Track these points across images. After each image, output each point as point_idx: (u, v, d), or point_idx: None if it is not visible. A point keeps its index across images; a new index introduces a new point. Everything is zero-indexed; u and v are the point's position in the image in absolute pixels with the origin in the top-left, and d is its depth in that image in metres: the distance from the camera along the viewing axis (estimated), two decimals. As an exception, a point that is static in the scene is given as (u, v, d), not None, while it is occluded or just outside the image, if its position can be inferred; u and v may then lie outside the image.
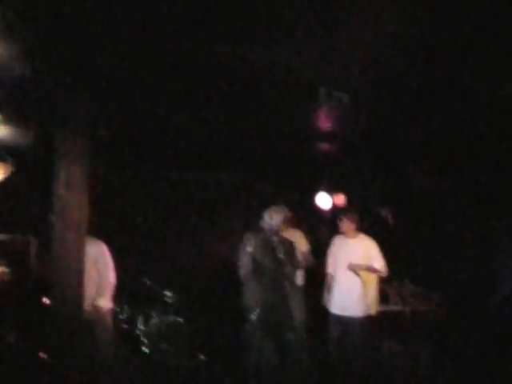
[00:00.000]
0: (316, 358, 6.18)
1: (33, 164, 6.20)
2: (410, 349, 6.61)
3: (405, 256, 7.17)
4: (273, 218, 5.79)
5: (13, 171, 5.98)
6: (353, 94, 5.09)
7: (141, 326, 7.39)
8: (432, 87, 4.88)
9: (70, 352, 4.53)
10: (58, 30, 3.68)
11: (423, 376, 6.45)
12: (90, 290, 5.17)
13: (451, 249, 7.49)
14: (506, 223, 6.98)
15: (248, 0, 3.34)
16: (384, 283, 7.30)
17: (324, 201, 7.89)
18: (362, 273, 6.35)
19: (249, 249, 5.70)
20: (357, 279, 6.35)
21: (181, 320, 7.49)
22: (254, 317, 5.63)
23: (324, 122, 6.12)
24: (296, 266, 6.04)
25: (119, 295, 6.20)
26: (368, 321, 6.43)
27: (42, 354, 5.18)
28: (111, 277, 5.65)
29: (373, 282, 6.51)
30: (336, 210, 7.03)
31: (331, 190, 7.86)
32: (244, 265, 5.73)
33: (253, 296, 5.78)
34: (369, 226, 7.45)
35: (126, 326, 7.33)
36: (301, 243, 6.88)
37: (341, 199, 7.92)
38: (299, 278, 6.85)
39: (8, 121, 5.16)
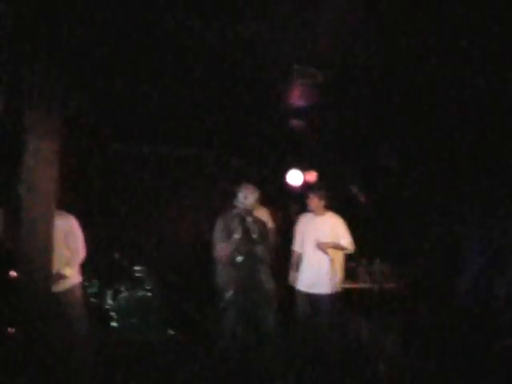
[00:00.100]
0: (287, 336, 6.22)
1: (1, 135, 6.10)
2: (377, 325, 6.69)
3: (375, 234, 7.22)
4: (247, 197, 5.80)
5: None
6: (327, 72, 5.10)
7: (110, 301, 7.37)
8: (406, 66, 4.91)
9: (38, 325, 4.50)
10: (26, 3, 3.63)
11: (391, 352, 6.53)
12: (59, 262, 5.16)
13: (420, 228, 7.56)
14: (473, 203, 7.05)
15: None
16: (354, 261, 7.38)
17: (295, 178, 7.90)
18: (329, 250, 6.39)
19: (222, 229, 5.73)
20: (325, 257, 6.38)
21: (150, 295, 7.49)
22: (227, 295, 5.66)
23: (298, 99, 6.12)
24: (269, 246, 6.06)
25: (88, 269, 6.17)
26: (336, 297, 6.49)
27: (9, 328, 5.17)
28: (81, 250, 5.61)
29: (340, 259, 6.55)
30: (308, 187, 7.04)
31: (303, 168, 7.86)
32: (217, 244, 5.76)
33: (226, 275, 5.81)
34: (339, 204, 7.51)
35: (94, 300, 7.30)
36: (266, 221, 6.91)
37: (312, 176, 7.93)
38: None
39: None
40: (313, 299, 6.40)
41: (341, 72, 5.23)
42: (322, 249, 6.34)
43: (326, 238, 6.37)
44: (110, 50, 4.74)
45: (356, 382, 5.85)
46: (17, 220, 4.37)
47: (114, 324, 7.20)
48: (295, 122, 7.07)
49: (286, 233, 7.12)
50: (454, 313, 6.97)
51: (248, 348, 5.94)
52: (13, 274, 5.84)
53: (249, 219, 5.81)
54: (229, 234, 5.69)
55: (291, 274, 6.60)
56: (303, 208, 6.71)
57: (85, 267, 5.88)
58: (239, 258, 5.70)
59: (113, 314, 7.24)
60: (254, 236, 5.76)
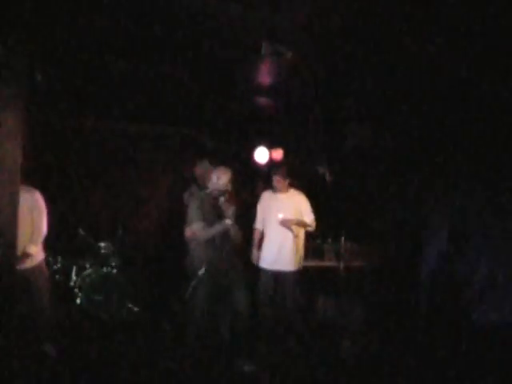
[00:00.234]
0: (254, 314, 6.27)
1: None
2: (342, 303, 6.78)
3: (341, 213, 7.28)
4: (220, 178, 5.81)
5: None
6: (296, 50, 5.09)
7: (74, 277, 7.32)
8: (375, 45, 4.91)
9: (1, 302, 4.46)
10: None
11: (354, 329, 6.64)
12: (23, 237, 5.11)
13: (385, 208, 7.65)
14: (436, 186, 7.15)
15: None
16: (319, 239, 7.43)
17: (262, 156, 7.89)
18: (293, 227, 6.43)
19: (196, 208, 5.76)
20: (289, 234, 6.42)
21: (115, 271, 7.46)
22: (199, 273, 5.69)
23: (266, 76, 6.10)
24: (239, 227, 6.09)
25: (53, 245, 6.12)
26: (299, 275, 6.54)
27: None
28: (44, 225, 5.55)
29: (302, 236, 6.59)
30: (273, 165, 7.04)
31: (270, 146, 7.86)
32: (192, 224, 5.79)
33: (198, 254, 5.85)
34: (306, 183, 7.53)
35: (59, 277, 7.25)
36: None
37: (278, 154, 7.93)
38: None
39: None
40: (276, 276, 6.43)
41: (309, 50, 5.22)
42: (286, 226, 6.37)
43: (290, 216, 6.41)
44: (73, 23, 4.65)
45: (321, 358, 5.93)
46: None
47: (78, 301, 7.16)
48: (263, 100, 7.05)
49: (252, 210, 7.12)
50: (418, 291, 7.11)
51: (217, 326, 6.00)
52: None
53: (221, 199, 5.83)
54: (203, 214, 5.71)
55: (253, 253, 6.61)
56: (269, 186, 6.71)
57: (49, 243, 5.84)
58: (212, 238, 5.73)
59: (77, 290, 7.21)
60: (227, 216, 5.78)
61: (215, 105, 7.30)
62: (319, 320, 7.06)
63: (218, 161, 6.62)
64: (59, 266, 7.31)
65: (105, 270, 7.41)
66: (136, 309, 7.31)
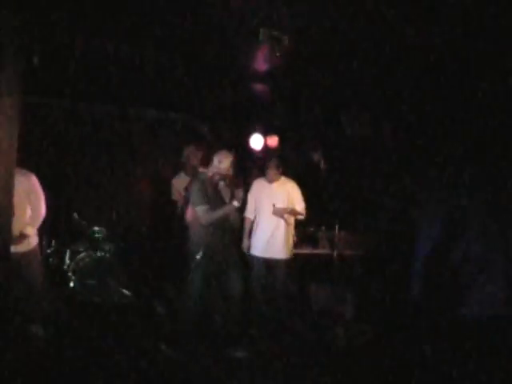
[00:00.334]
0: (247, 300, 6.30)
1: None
2: (335, 290, 6.81)
3: (335, 201, 7.30)
4: (222, 161, 5.81)
5: None
6: (293, 37, 5.07)
7: (68, 261, 7.33)
8: (373, 31, 4.90)
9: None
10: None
11: (348, 317, 6.67)
12: (20, 220, 5.16)
13: (380, 196, 7.66)
14: (429, 175, 7.16)
15: None
16: (313, 227, 7.45)
17: (257, 143, 7.89)
18: (285, 216, 6.45)
19: (197, 191, 5.76)
20: (281, 222, 6.45)
21: (108, 256, 7.47)
22: (197, 257, 5.71)
23: (263, 63, 6.09)
24: (238, 212, 6.12)
25: (47, 229, 6.12)
26: (291, 262, 6.56)
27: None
28: (42, 208, 5.54)
29: (292, 224, 6.61)
30: (268, 152, 7.03)
31: (266, 132, 7.86)
32: (195, 208, 5.80)
33: (197, 238, 5.86)
34: (301, 171, 7.55)
35: (52, 260, 7.25)
36: None
37: (274, 141, 7.93)
38: None
39: None
40: (268, 264, 6.45)
41: (307, 37, 5.20)
42: (279, 215, 6.39)
43: (282, 204, 6.43)
44: (77, 7, 4.64)
45: (313, 346, 5.95)
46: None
47: (71, 284, 7.16)
48: (259, 86, 7.04)
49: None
50: (411, 279, 7.13)
51: (212, 311, 6.02)
52: None
53: (221, 183, 5.84)
54: (205, 198, 5.72)
55: (244, 241, 6.61)
56: (262, 174, 6.70)
57: (43, 227, 5.84)
58: (214, 222, 5.77)
59: (70, 274, 7.21)
60: (227, 200, 5.81)
61: (211, 91, 7.28)
62: (312, 307, 7.08)
63: (213, 147, 6.66)
64: (53, 249, 7.33)
65: (98, 254, 7.40)
66: (129, 293, 7.31)
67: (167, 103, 8.15)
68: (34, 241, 5.50)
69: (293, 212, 6.47)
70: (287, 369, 5.34)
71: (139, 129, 8.63)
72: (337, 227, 6.71)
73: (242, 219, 6.50)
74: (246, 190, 6.72)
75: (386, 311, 6.67)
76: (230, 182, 5.93)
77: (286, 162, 6.69)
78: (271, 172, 6.48)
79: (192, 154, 7.23)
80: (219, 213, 5.74)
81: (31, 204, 5.45)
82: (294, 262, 6.68)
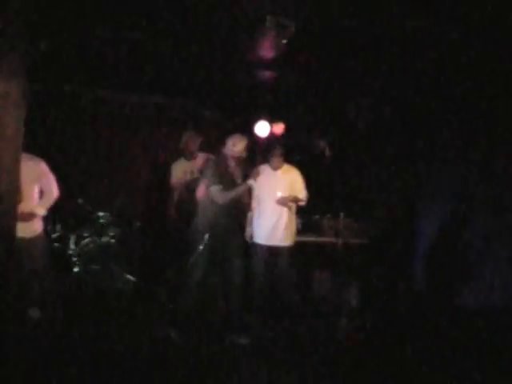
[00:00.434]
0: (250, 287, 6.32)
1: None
2: (339, 278, 6.82)
3: (340, 189, 7.30)
4: (236, 144, 5.88)
5: None
6: (299, 23, 5.05)
7: (72, 246, 7.35)
8: (381, 18, 4.88)
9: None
10: None
11: (352, 305, 6.69)
12: (29, 205, 5.25)
13: (384, 185, 7.66)
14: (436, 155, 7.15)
15: None
16: (318, 215, 7.45)
17: (263, 129, 7.87)
18: (289, 204, 6.46)
19: (212, 174, 5.87)
20: (284, 210, 6.43)
21: (113, 241, 7.49)
22: (204, 238, 5.74)
23: (269, 50, 6.06)
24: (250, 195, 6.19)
25: (52, 214, 6.13)
26: (296, 250, 6.58)
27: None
28: (55, 191, 5.60)
29: (294, 211, 6.62)
30: (270, 144, 7.00)
31: (271, 119, 7.84)
32: (210, 188, 5.88)
33: (205, 219, 5.95)
34: (306, 158, 7.53)
35: (57, 245, 7.28)
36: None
37: (279, 128, 7.91)
38: None
39: None
40: (272, 252, 6.45)
41: (313, 24, 5.18)
42: (283, 204, 6.39)
43: (285, 191, 6.41)
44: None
45: (317, 334, 5.97)
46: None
47: (76, 269, 7.20)
48: (266, 73, 7.02)
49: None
50: (414, 268, 7.14)
51: (215, 297, 6.05)
52: None
53: (232, 164, 5.93)
54: (219, 178, 5.84)
55: (247, 229, 6.62)
56: (266, 161, 6.68)
57: (48, 212, 5.87)
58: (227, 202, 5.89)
59: (75, 259, 7.24)
60: (238, 182, 5.93)
61: (216, 77, 7.27)
62: (315, 295, 7.11)
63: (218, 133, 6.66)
64: (58, 234, 7.34)
65: (103, 239, 7.43)
66: (133, 279, 7.34)
67: (172, 89, 8.13)
68: (39, 227, 5.52)
69: (296, 200, 6.47)
70: (289, 356, 5.36)
71: (144, 114, 8.62)
72: (342, 215, 6.70)
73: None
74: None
75: (389, 299, 6.70)
76: (242, 165, 5.98)
77: (291, 150, 6.67)
78: (276, 159, 6.47)
79: (190, 139, 7.29)
80: (234, 192, 5.88)
81: (43, 188, 5.48)
82: (299, 250, 6.67)
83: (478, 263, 6.27)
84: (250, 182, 5.87)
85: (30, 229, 5.33)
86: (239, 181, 5.95)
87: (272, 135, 7.83)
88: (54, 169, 5.74)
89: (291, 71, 6.83)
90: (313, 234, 7.31)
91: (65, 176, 6.78)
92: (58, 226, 7.29)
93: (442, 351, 5.39)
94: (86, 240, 7.36)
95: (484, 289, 6.12)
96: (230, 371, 4.94)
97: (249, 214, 6.59)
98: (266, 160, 6.57)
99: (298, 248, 6.63)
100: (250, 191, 6.19)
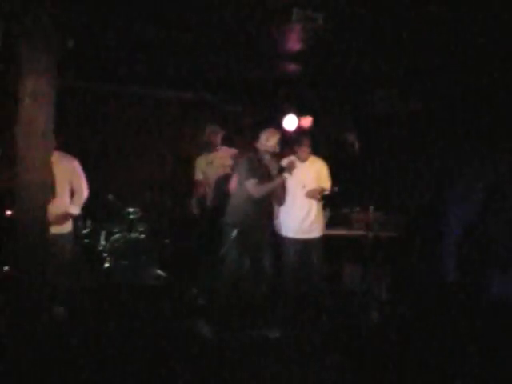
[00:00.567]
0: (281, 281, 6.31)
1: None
2: (370, 272, 6.78)
3: (369, 182, 7.25)
4: (269, 139, 5.89)
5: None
6: (327, 15, 5.02)
7: (103, 242, 7.41)
8: (406, 9, 4.84)
9: (32, 266, 4.53)
10: None
11: (383, 299, 6.65)
12: (63, 201, 5.46)
13: (414, 177, 7.59)
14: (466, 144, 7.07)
15: None
16: (348, 208, 7.42)
17: (291, 123, 7.86)
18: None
19: (248, 168, 5.89)
20: (313, 201, 6.41)
21: (143, 237, 7.53)
22: (233, 233, 5.76)
23: (296, 42, 6.04)
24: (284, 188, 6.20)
25: (83, 210, 6.19)
26: (326, 243, 6.56)
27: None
28: (85, 191, 5.74)
29: (321, 202, 6.61)
30: (298, 136, 6.97)
31: (299, 113, 7.82)
32: (246, 183, 5.89)
33: (235, 214, 5.95)
34: (335, 151, 7.50)
35: (88, 241, 7.35)
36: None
37: (307, 122, 7.89)
38: None
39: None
40: (303, 244, 6.42)
41: (340, 16, 5.14)
42: (312, 197, 6.37)
43: (312, 183, 6.40)
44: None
45: (348, 329, 5.94)
46: (14, 160, 4.38)
47: (106, 265, 7.25)
48: (292, 66, 7.00)
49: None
50: (445, 261, 7.07)
51: (245, 290, 6.06)
52: (9, 213, 5.96)
53: (266, 158, 5.97)
54: (253, 172, 5.86)
55: (275, 222, 6.60)
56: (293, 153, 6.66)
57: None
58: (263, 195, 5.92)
59: (106, 255, 7.29)
60: (274, 175, 5.98)
61: (244, 71, 7.27)
62: (346, 288, 7.08)
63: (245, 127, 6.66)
64: (88, 230, 7.41)
65: (133, 235, 7.48)
66: (163, 274, 7.37)
67: (198, 85, 8.15)
68: (69, 224, 5.62)
69: (323, 191, 6.46)
70: (319, 350, 5.34)
71: (170, 110, 8.66)
72: (372, 208, 6.66)
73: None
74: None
75: (420, 292, 6.64)
76: (276, 159, 5.98)
77: (319, 143, 6.65)
78: (303, 151, 6.45)
79: (213, 133, 7.32)
80: (270, 185, 5.90)
81: (74, 187, 5.64)
82: (329, 244, 6.65)
83: (509, 255, 6.20)
84: (285, 174, 5.87)
85: (60, 226, 5.44)
86: (274, 174, 5.95)
87: (300, 128, 7.82)
88: (85, 165, 5.82)
89: (318, 63, 6.79)
90: (342, 228, 7.27)
91: (95, 172, 6.86)
92: (89, 222, 7.37)
93: (473, 344, 5.33)
94: (116, 235, 7.43)
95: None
96: (260, 365, 4.93)
97: (275, 207, 6.58)
98: (293, 152, 6.54)
99: (327, 242, 6.60)
100: (283, 184, 6.16)
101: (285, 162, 6.21)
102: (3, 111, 5.49)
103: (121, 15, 5.29)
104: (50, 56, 4.46)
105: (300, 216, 6.40)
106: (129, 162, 8.40)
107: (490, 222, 6.56)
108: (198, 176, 7.40)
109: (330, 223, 7.02)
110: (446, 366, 4.89)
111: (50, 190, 4.70)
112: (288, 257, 6.42)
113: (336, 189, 6.63)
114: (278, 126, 7.65)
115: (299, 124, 7.86)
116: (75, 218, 5.87)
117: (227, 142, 7.53)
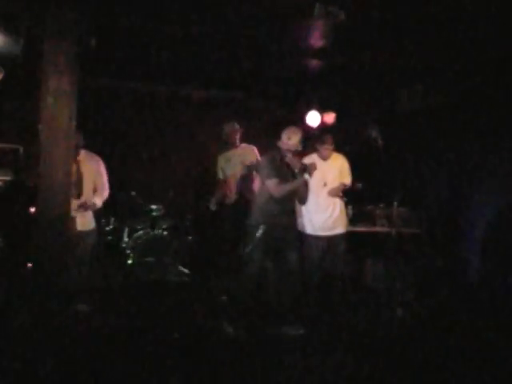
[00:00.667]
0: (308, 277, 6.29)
1: (22, 72, 6.08)
2: (394, 268, 6.73)
3: (393, 178, 7.18)
4: (291, 138, 5.84)
5: (1, 79, 5.89)
6: (348, 11, 4.99)
7: (126, 239, 7.45)
8: (429, 6, 4.80)
9: (54, 263, 4.57)
10: None
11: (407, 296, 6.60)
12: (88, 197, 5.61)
13: (438, 173, 7.52)
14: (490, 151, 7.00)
15: None
16: (372, 205, 7.38)
17: (314, 119, 7.84)
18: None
19: (271, 167, 5.84)
20: (336, 199, 6.41)
21: (165, 234, 7.55)
22: (258, 232, 5.75)
23: (319, 38, 6.02)
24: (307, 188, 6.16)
25: (106, 207, 6.24)
26: (350, 240, 6.53)
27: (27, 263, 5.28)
28: (107, 189, 5.99)
29: (344, 199, 6.58)
30: (320, 134, 6.93)
31: (322, 109, 7.80)
32: (268, 182, 5.85)
33: (260, 213, 5.92)
34: (358, 147, 7.46)
35: (111, 238, 7.39)
36: (251, 159, 7.16)
37: (330, 118, 7.87)
38: None
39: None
40: (327, 241, 6.39)
41: (363, 12, 5.11)
42: (335, 195, 6.36)
43: (334, 180, 6.38)
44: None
45: (372, 325, 5.91)
46: (37, 158, 4.43)
47: (129, 261, 7.28)
48: (315, 62, 6.98)
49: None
50: (469, 257, 7.00)
51: (269, 288, 6.05)
52: (32, 210, 6.03)
53: (288, 156, 5.89)
54: (275, 172, 5.81)
55: (298, 221, 6.56)
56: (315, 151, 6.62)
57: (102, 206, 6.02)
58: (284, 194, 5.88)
59: (129, 251, 7.32)
60: (296, 173, 5.91)
61: (266, 67, 7.26)
62: (370, 285, 7.05)
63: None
64: (112, 227, 7.45)
65: (156, 232, 7.51)
66: (186, 271, 7.39)
67: (221, 82, 8.16)
68: (93, 222, 5.72)
69: (344, 187, 6.45)
70: (343, 347, 5.31)
71: (196, 108, 8.67)
72: (395, 204, 6.61)
73: None
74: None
75: (444, 289, 6.59)
76: (298, 157, 5.95)
77: (342, 139, 6.61)
78: (326, 149, 6.41)
79: (232, 130, 7.29)
80: (291, 185, 5.86)
81: (97, 185, 5.86)
82: (352, 240, 6.62)
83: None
84: (306, 176, 5.83)
85: (85, 223, 5.52)
86: (296, 172, 5.91)
87: (323, 125, 7.79)
88: (108, 163, 5.89)
89: (341, 59, 6.76)
90: (366, 224, 7.24)
91: (118, 170, 6.91)
92: (112, 219, 7.42)
93: (497, 340, 5.27)
94: (139, 232, 7.46)
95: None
96: (283, 362, 4.91)
97: (298, 206, 6.55)
98: (314, 149, 6.51)
99: (351, 238, 6.57)
100: (306, 184, 6.11)
101: (307, 160, 6.17)
102: (27, 110, 5.55)
103: (144, 13, 5.31)
104: (72, 55, 4.50)
105: (323, 214, 6.37)
106: (152, 159, 8.43)
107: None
108: (220, 175, 7.39)
109: (353, 219, 6.99)
110: (470, 366, 4.85)
111: (72, 188, 4.77)
112: (311, 254, 6.39)
113: (360, 185, 6.61)
114: (302, 122, 7.64)
115: (322, 120, 7.84)
116: (98, 215, 5.94)
117: (250, 139, 7.49)
